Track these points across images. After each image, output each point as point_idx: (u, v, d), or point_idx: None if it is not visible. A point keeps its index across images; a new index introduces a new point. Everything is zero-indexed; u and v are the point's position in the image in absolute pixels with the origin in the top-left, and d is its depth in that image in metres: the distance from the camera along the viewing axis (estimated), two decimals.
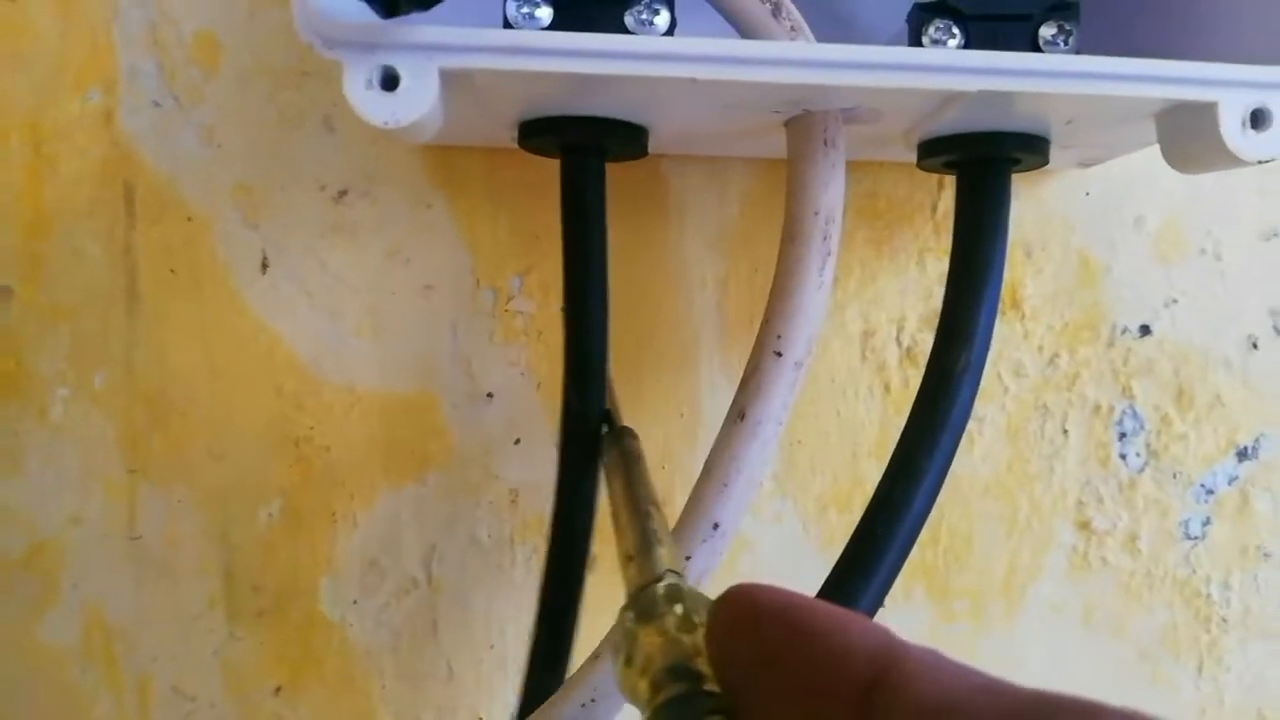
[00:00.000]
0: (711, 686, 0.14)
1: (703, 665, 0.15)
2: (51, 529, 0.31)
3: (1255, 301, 0.33)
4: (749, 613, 0.14)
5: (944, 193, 0.32)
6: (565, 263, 0.26)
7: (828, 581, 0.25)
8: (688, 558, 0.25)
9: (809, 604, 0.14)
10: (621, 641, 0.16)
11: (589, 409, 0.26)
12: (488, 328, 0.32)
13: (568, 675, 0.25)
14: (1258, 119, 0.22)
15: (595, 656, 0.25)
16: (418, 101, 0.21)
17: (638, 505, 0.21)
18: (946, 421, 0.25)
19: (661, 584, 0.17)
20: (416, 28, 0.20)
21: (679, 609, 0.16)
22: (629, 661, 0.16)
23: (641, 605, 0.17)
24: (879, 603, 0.25)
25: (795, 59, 0.22)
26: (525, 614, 0.32)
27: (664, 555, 0.19)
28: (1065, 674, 0.33)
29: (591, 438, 0.26)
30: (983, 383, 0.32)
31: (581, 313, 0.26)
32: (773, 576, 0.32)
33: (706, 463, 0.26)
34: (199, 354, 0.31)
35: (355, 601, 0.32)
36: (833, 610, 0.14)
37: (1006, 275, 0.32)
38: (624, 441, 0.25)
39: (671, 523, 0.26)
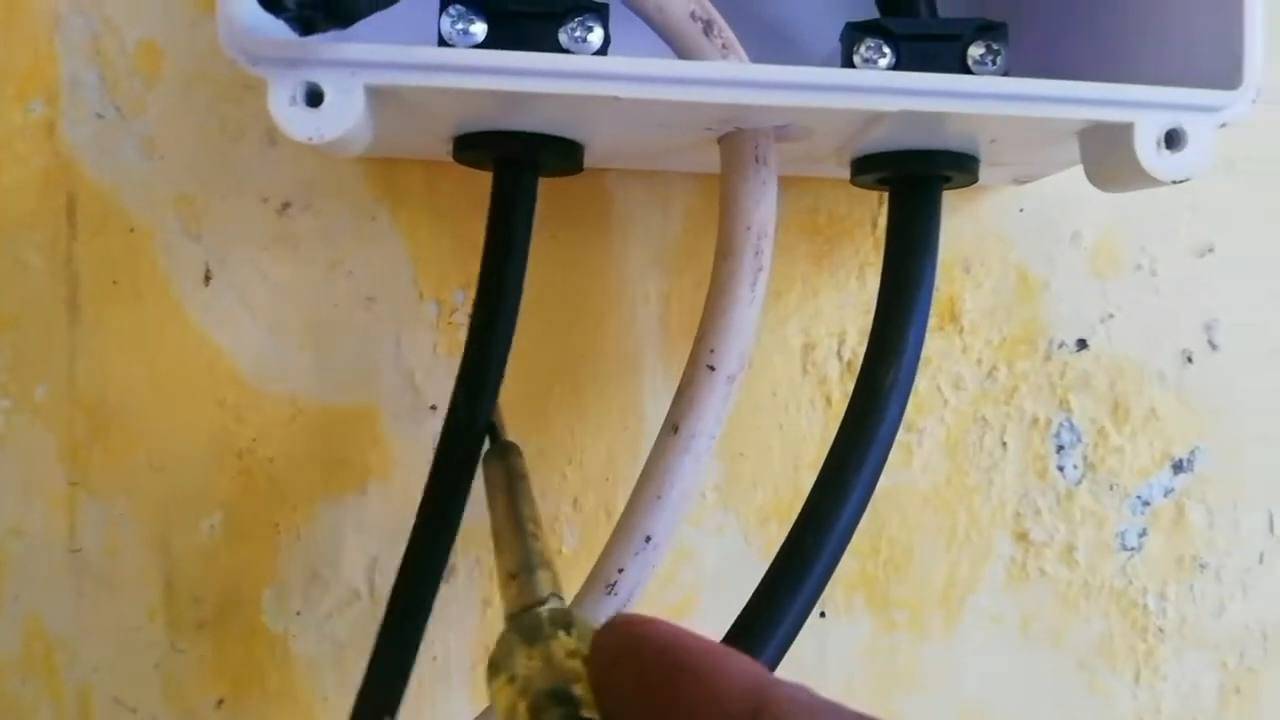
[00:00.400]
0: (590, 714, 0.15)
1: (582, 691, 0.15)
2: None
3: (1189, 316, 0.34)
4: (632, 644, 0.14)
5: (884, 208, 0.33)
6: (481, 270, 0.26)
7: (756, 593, 0.25)
8: (620, 570, 0.25)
9: (691, 641, 0.14)
10: (503, 660, 0.17)
11: (476, 420, 0.26)
12: (431, 340, 0.32)
13: (408, 684, 0.25)
14: (1172, 139, 0.23)
15: None
16: (342, 118, 0.21)
17: (521, 524, 0.22)
18: (875, 437, 0.25)
19: (545, 607, 0.18)
20: (341, 45, 0.21)
21: (563, 634, 0.17)
22: (510, 680, 0.16)
23: (526, 626, 0.17)
24: (807, 613, 0.25)
25: (721, 79, 0.22)
26: (468, 626, 0.32)
27: (547, 578, 0.19)
28: (1003, 684, 0.33)
29: (472, 449, 0.26)
30: (922, 396, 0.33)
31: (487, 322, 0.26)
32: (715, 588, 0.33)
33: (640, 476, 0.26)
34: (140, 366, 0.31)
35: (298, 613, 0.32)
36: (714, 648, 0.14)
37: (945, 290, 0.33)
38: (509, 458, 0.25)
39: (606, 536, 0.26)
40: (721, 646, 0.14)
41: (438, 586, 0.26)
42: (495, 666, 0.17)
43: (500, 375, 0.26)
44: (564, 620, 0.17)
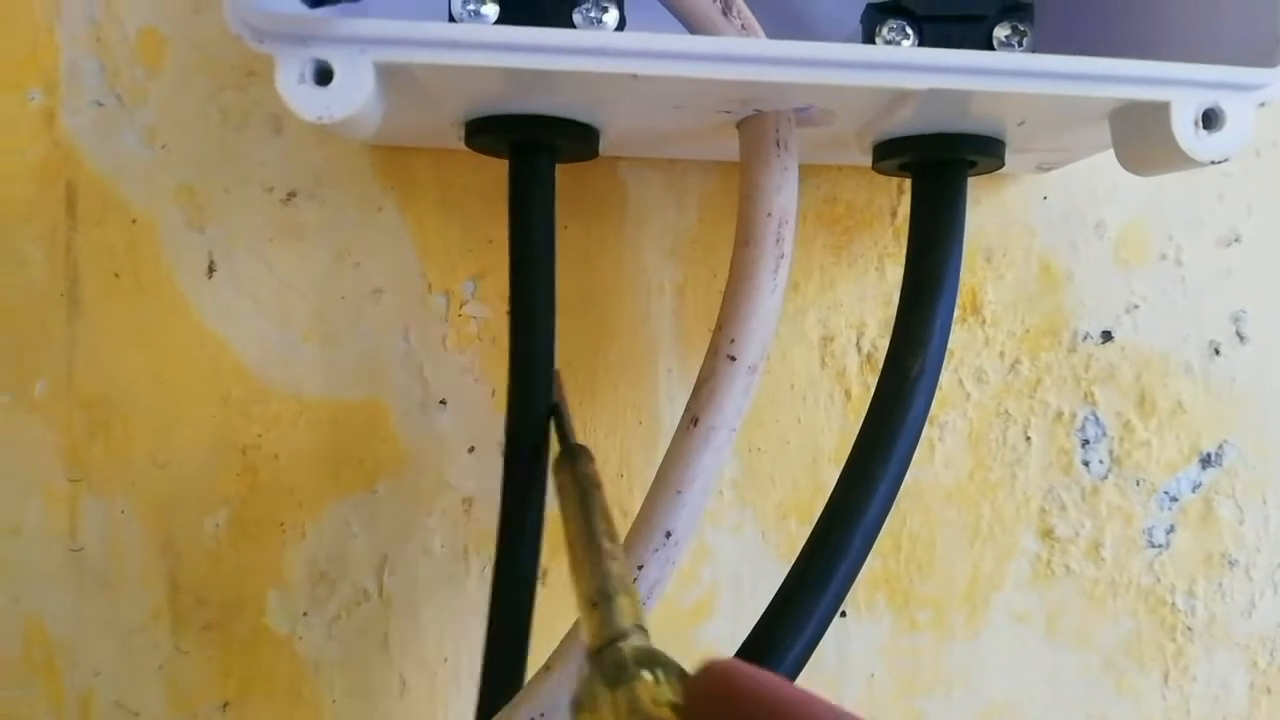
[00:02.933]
0: None
1: None
2: None
3: (1216, 307, 0.33)
4: (731, 698, 0.14)
5: (903, 198, 0.32)
6: (511, 262, 0.25)
7: (780, 592, 0.24)
8: (640, 567, 0.25)
9: (796, 696, 0.13)
10: (586, 700, 0.16)
11: (534, 413, 0.25)
12: (440, 333, 0.31)
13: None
14: (1210, 119, 0.22)
15: (546, 668, 0.25)
16: (352, 96, 0.20)
17: (596, 543, 0.20)
18: (901, 428, 0.25)
19: (628, 643, 0.17)
20: (351, 21, 0.20)
21: (648, 675, 0.16)
22: None
23: (608, 666, 0.16)
24: (834, 612, 0.24)
25: (740, 55, 0.22)
26: (479, 626, 0.31)
27: (627, 607, 0.18)
28: (1029, 684, 0.33)
29: (537, 443, 0.25)
30: (945, 389, 0.32)
31: (526, 314, 0.25)
32: (733, 586, 0.32)
33: (659, 470, 0.25)
34: (143, 360, 0.30)
35: (304, 614, 0.31)
36: (822, 706, 0.13)
37: (967, 281, 0.32)
38: (579, 464, 0.24)
39: (624, 532, 0.25)
40: (828, 704, 0.13)
41: (535, 593, 0.26)
42: (579, 707, 0.16)
43: (550, 363, 0.26)
44: (648, 659, 0.16)
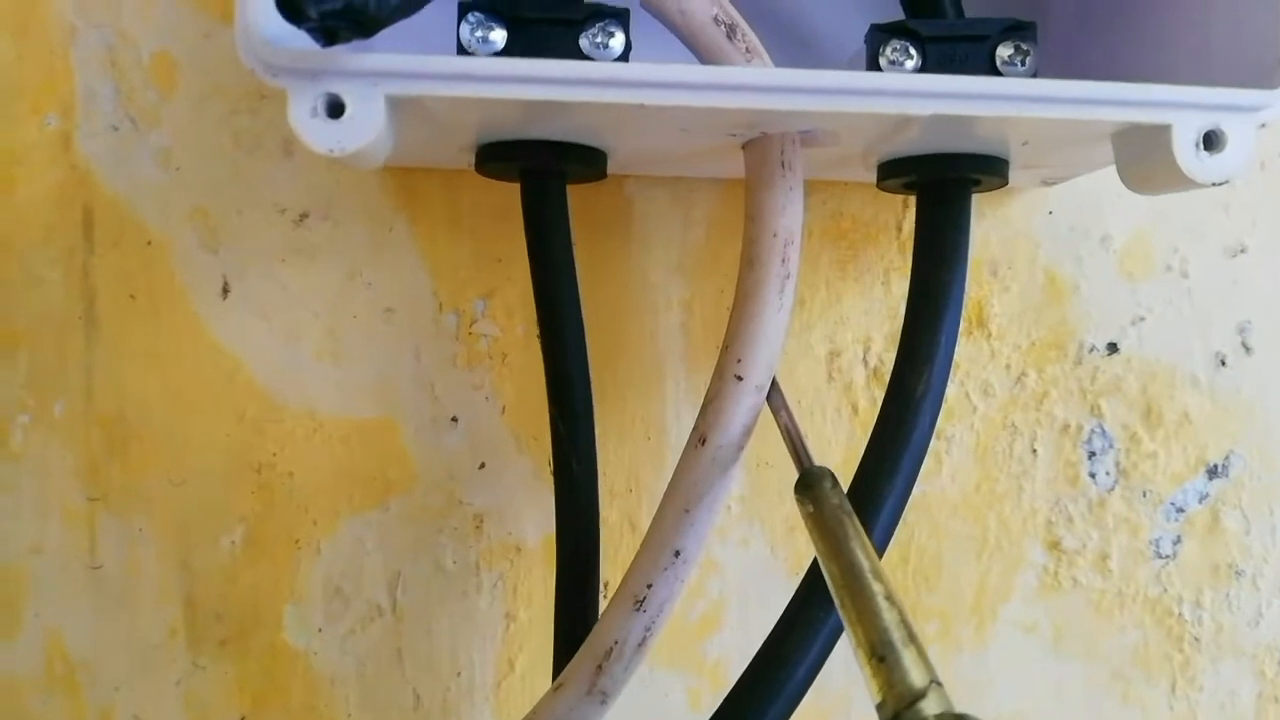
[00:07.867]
0: None
1: None
2: (11, 558, 0.31)
3: (1222, 318, 0.33)
4: None
5: (909, 212, 0.32)
6: (535, 287, 0.26)
7: (788, 610, 0.25)
8: (649, 585, 0.25)
9: None
10: None
11: (576, 432, 0.26)
12: (451, 351, 0.31)
13: None
14: (1211, 141, 0.22)
15: (558, 686, 0.25)
16: (363, 129, 0.20)
17: (862, 583, 0.19)
18: (907, 446, 0.25)
19: (928, 705, 0.16)
20: (362, 55, 0.20)
21: None
22: None
23: None
24: (842, 628, 0.24)
25: (748, 84, 0.22)
26: (491, 641, 0.32)
27: (917, 659, 0.17)
28: (1036, 695, 0.33)
29: (585, 464, 0.26)
30: (951, 402, 0.32)
31: (557, 336, 0.26)
32: (741, 600, 0.32)
33: (668, 489, 0.25)
34: (159, 380, 0.31)
35: (319, 629, 0.31)
36: None
37: (973, 294, 0.32)
38: (824, 490, 0.21)
39: (634, 549, 0.25)
40: None
41: (599, 608, 0.26)
42: None
43: (586, 381, 0.26)
44: None
